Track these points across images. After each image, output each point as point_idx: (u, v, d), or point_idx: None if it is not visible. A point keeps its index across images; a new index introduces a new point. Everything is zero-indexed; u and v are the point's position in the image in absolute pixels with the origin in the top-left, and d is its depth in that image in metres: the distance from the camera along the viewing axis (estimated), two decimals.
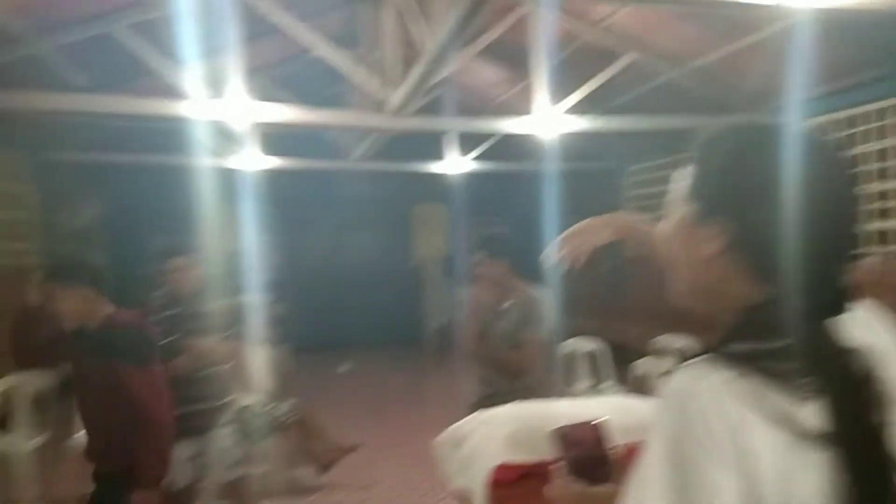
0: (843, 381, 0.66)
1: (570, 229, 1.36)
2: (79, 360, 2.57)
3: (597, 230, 1.31)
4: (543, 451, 1.41)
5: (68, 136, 6.78)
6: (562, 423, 1.37)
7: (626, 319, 7.89)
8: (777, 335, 0.68)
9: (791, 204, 0.69)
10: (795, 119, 0.73)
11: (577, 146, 7.61)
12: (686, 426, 0.65)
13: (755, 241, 0.72)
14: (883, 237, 5.00)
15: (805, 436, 0.63)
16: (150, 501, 2.33)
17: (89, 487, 3.98)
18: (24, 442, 4.07)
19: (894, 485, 0.64)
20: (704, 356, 0.69)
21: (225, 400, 3.39)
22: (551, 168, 7.25)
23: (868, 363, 0.67)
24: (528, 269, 9.91)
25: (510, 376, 2.89)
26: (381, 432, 5.58)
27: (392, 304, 9.82)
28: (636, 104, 6.44)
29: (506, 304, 2.96)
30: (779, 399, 0.64)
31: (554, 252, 1.36)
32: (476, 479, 1.41)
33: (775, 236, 0.70)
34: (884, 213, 5.04)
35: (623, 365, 5.22)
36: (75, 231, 7.87)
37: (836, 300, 0.71)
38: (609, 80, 5.33)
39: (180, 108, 4.48)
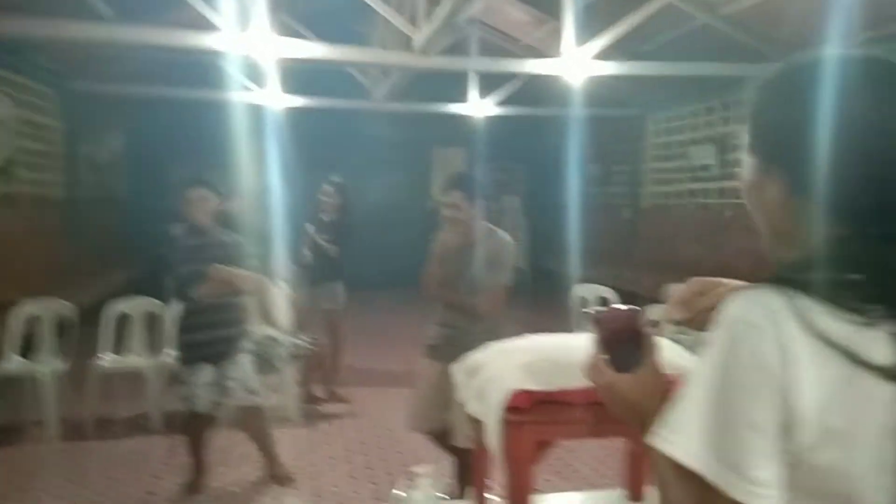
0: None
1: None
2: None
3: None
4: (558, 381, 1.47)
5: (94, 67, 6.78)
6: (577, 353, 1.41)
7: (637, 268, 7.91)
8: (854, 269, 0.67)
9: (850, 140, 0.69)
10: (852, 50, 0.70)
11: (602, 92, 7.48)
12: (735, 355, 0.66)
13: (816, 186, 0.71)
14: None
15: (868, 367, 0.63)
16: None
17: (109, 410, 4.19)
18: (48, 366, 4.23)
19: None
20: (768, 282, 0.69)
21: (243, 328, 3.50)
22: (574, 113, 7.15)
23: None
24: (543, 211, 9.84)
25: (474, 318, 2.89)
26: (388, 366, 5.70)
27: (410, 245, 9.86)
28: (665, 50, 6.29)
29: (474, 247, 2.92)
30: (842, 327, 0.64)
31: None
32: (491, 405, 1.46)
33: (837, 177, 0.70)
34: None
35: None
36: (99, 163, 7.96)
37: None
38: (639, 25, 5.19)
39: (206, 41, 4.46)
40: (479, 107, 8.09)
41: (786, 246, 0.78)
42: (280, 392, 4.64)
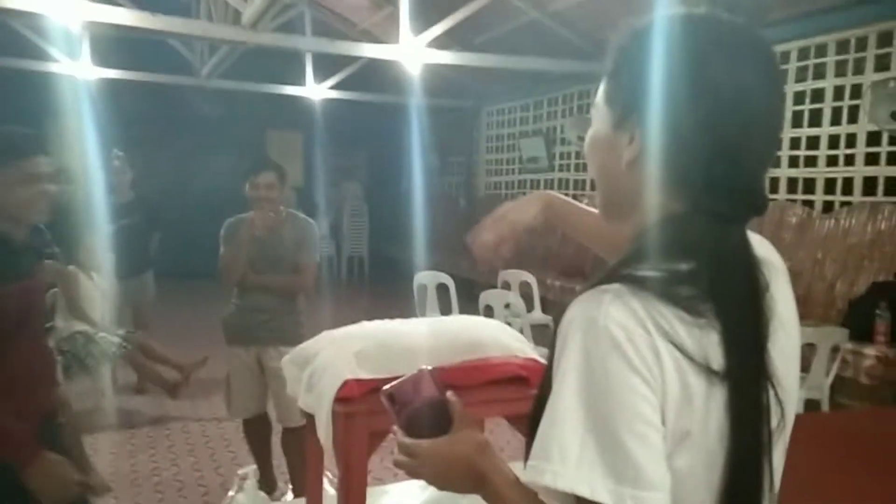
0: (745, 303, 0.66)
1: (497, 212, 1.20)
2: None
3: (522, 211, 1.18)
4: (392, 368, 1.43)
5: None
6: (404, 351, 1.39)
7: (473, 257, 8.15)
8: (686, 254, 0.65)
9: (710, 104, 0.66)
10: (722, 12, 0.68)
11: (439, 82, 7.60)
12: (608, 361, 0.61)
13: (671, 147, 0.67)
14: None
15: (710, 372, 0.63)
16: None
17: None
18: None
19: (767, 398, 0.66)
20: (605, 281, 0.66)
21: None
22: (412, 102, 7.20)
23: (766, 279, 0.68)
24: (383, 198, 9.88)
25: (286, 299, 2.99)
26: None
27: None
28: (497, 43, 6.51)
29: (283, 228, 2.98)
30: (689, 331, 0.62)
31: (479, 236, 1.20)
32: (323, 395, 1.40)
33: (689, 138, 0.66)
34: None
35: (471, 299, 5.44)
36: None
37: (755, 201, 0.69)
38: (473, 16, 5.31)
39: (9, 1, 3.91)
40: (315, 90, 7.86)
41: (621, 218, 0.75)
42: (95, 394, 4.23)
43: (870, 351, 3.61)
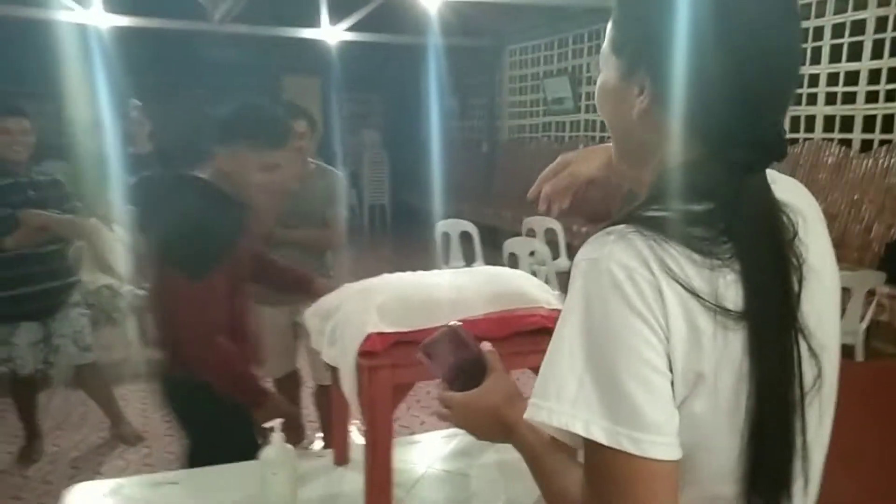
0: (765, 245, 0.63)
1: (558, 162, 1.14)
2: None
3: (585, 162, 1.12)
4: (414, 321, 1.40)
5: None
6: (429, 309, 1.35)
7: (497, 203, 8.05)
8: (701, 197, 0.64)
9: (721, 47, 0.63)
10: None
11: (458, 21, 7.35)
12: (611, 303, 0.61)
13: (682, 95, 0.65)
14: None
15: (725, 312, 0.61)
16: None
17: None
18: None
19: (792, 347, 0.64)
20: (619, 223, 0.64)
21: (71, 279, 3.12)
22: (431, 42, 6.99)
23: (792, 223, 0.66)
24: (402, 146, 9.80)
25: (318, 255, 2.85)
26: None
27: None
28: None
29: (313, 181, 2.81)
30: (701, 273, 0.61)
31: (539, 185, 1.15)
32: (346, 349, 1.37)
33: (704, 87, 0.64)
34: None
35: (495, 246, 5.38)
36: None
37: (775, 148, 0.66)
38: None
39: None
40: (331, 32, 7.66)
41: (638, 166, 0.74)
42: (123, 346, 4.29)
43: None
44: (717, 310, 0.61)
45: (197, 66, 8.92)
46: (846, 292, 3.55)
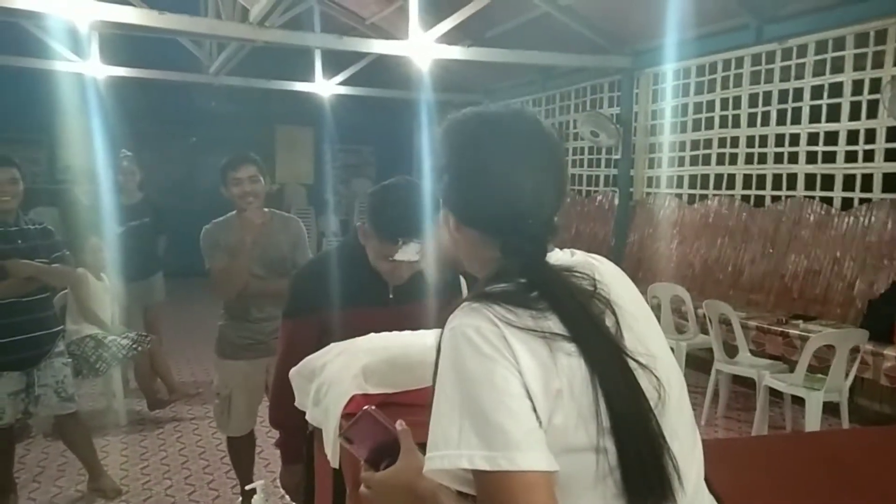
0: (565, 292, 0.83)
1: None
2: None
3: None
4: (399, 382, 1.40)
5: None
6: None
7: None
8: (516, 276, 0.84)
9: (486, 183, 0.87)
10: (508, 104, 0.95)
11: (447, 77, 7.54)
12: (473, 357, 0.77)
13: (475, 218, 0.90)
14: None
15: (556, 336, 0.78)
16: None
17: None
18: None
19: (624, 362, 0.81)
20: (470, 299, 0.83)
21: (56, 328, 3.10)
22: (420, 97, 7.14)
23: (580, 277, 0.87)
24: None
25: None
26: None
27: None
28: (508, 37, 6.43)
29: (271, 229, 2.74)
30: (528, 317, 0.79)
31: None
32: (329, 411, 1.37)
33: (486, 208, 0.88)
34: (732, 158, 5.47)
35: None
36: None
37: (550, 236, 0.90)
38: (483, 10, 5.24)
39: (16, 1, 3.90)
40: (324, 86, 7.82)
41: (474, 264, 0.96)
42: (105, 396, 4.23)
43: (890, 352, 3.53)
44: (548, 336, 0.78)
45: (191, 116, 9.04)
46: (830, 349, 3.57)
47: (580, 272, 0.88)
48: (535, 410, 0.76)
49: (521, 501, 0.72)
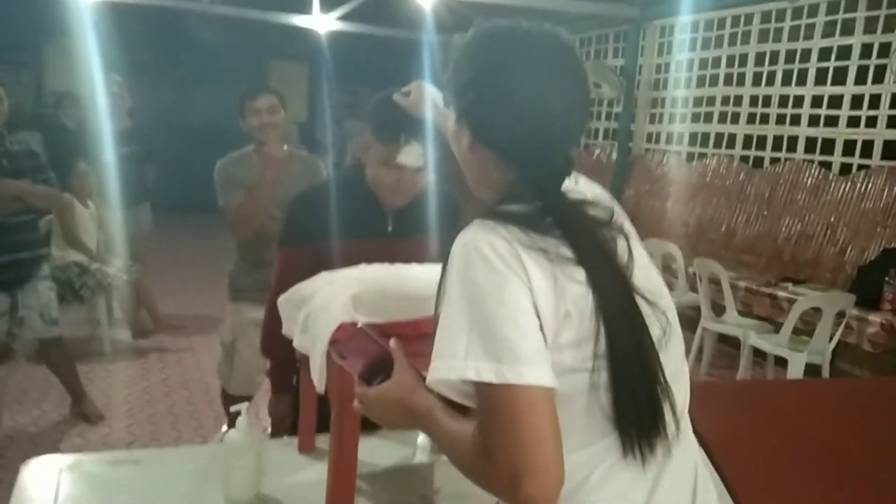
0: (579, 222, 0.83)
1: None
2: None
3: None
4: (389, 313, 1.38)
5: None
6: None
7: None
8: (532, 199, 0.84)
9: (514, 101, 0.84)
10: (542, 24, 0.92)
11: (450, 17, 7.32)
12: (485, 271, 0.77)
13: (497, 139, 0.88)
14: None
15: (567, 259, 0.79)
16: None
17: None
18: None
19: (629, 286, 0.82)
20: (483, 216, 0.82)
21: (41, 252, 3.05)
22: (421, 37, 6.96)
23: (592, 207, 0.87)
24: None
25: None
26: (213, 298, 5.33)
27: None
28: None
29: (289, 167, 2.63)
30: (541, 241, 0.79)
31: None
32: (317, 338, 1.35)
33: (504, 130, 0.86)
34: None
35: None
36: None
37: (565, 169, 0.88)
38: None
39: None
40: (322, 20, 7.59)
41: (482, 186, 0.94)
42: (90, 324, 4.21)
43: (875, 318, 3.56)
44: (561, 261, 0.78)
45: (185, 46, 8.78)
46: (816, 312, 3.60)
47: (598, 204, 0.88)
48: (541, 329, 0.77)
49: (525, 415, 0.73)
